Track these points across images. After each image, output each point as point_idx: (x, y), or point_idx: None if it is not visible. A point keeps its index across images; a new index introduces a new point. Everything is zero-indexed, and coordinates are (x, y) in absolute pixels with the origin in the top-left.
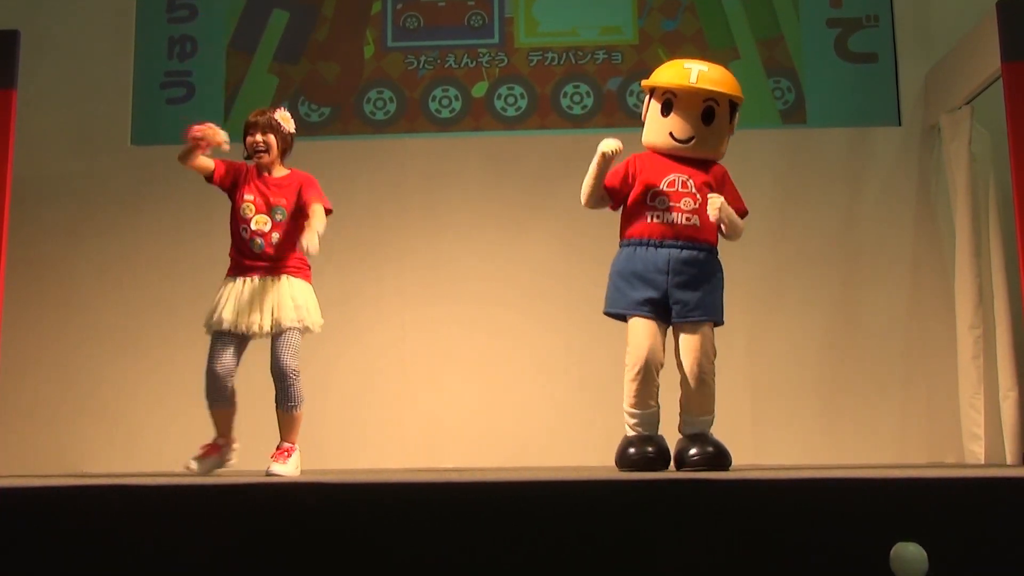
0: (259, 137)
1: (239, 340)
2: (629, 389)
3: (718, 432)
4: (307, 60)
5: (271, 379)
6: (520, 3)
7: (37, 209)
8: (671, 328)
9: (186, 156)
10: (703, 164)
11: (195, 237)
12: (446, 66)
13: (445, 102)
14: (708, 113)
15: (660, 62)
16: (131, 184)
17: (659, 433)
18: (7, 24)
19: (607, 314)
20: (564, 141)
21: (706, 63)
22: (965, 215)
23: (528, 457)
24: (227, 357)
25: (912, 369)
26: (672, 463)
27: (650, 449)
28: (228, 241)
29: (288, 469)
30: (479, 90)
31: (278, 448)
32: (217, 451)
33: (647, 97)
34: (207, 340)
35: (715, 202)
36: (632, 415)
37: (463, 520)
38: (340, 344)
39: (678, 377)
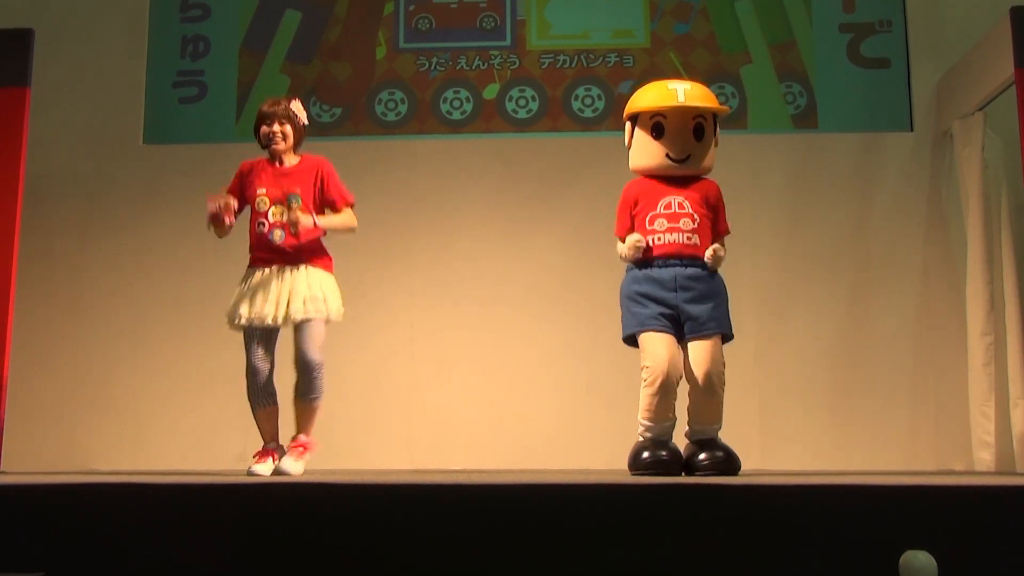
0: (276, 127)
1: (266, 332)
2: (647, 403)
3: (727, 437)
4: (319, 60)
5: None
6: (532, 5)
7: (49, 207)
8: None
9: (218, 229)
10: (694, 181)
11: (206, 235)
12: (457, 68)
13: (456, 104)
14: (698, 129)
15: (672, 66)
16: (143, 183)
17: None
18: (21, 23)
19: (626, 340)
20: (575, 144)
21: (685, 81)
22: (977, 221)
23: (536, 459)
24: (260, 350)
25: (922, 376)
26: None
27: (663, 453)
28: (239, 239)
29: (299, 468)
30: (490, 92)
31: (294, 440)
32: (270, 455)
33: (629, 125)
34: (217, 338)
35: (715, 254)
36: (648, 428)
37: (470, 521)
38: (349, 344)
39: (686, 387)
